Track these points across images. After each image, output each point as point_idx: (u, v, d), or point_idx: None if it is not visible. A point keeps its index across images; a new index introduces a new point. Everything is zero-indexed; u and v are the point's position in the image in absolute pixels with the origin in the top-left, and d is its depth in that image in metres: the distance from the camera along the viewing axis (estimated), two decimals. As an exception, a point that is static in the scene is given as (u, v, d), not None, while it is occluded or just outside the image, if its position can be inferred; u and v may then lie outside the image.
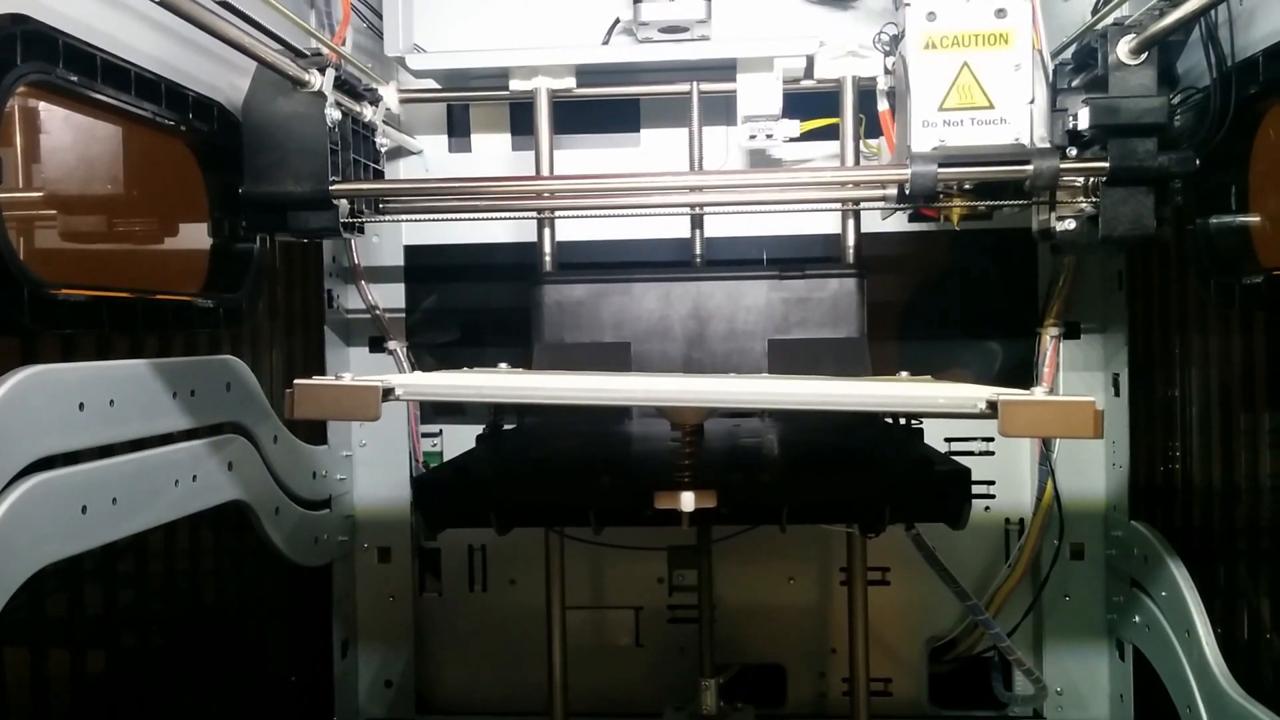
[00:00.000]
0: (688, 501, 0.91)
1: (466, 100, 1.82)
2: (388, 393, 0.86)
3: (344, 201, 1.46)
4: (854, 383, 0.90)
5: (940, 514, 0.99)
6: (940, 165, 1.35)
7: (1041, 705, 1.85)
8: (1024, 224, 1.59)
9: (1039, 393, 0.84)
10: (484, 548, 1.95)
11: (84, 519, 1.15)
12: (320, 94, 1.40)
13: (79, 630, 1.23)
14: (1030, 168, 1.34)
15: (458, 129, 1.91)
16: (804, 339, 1.62)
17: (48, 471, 1.09)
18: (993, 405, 0.82)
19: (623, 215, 1.57)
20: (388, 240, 1.92)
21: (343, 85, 1.47)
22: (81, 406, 1.15)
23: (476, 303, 1.92)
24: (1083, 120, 1.35)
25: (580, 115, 1.84)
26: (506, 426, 1.50)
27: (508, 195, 1.52)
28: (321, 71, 1.40)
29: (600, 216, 1.59)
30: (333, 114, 1.41)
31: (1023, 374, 1.81)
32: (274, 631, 1.70)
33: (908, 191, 1.38)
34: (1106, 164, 1.34)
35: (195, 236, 1.49)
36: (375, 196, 1.50)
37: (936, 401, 0.85)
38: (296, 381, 0.90)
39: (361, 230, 1.53)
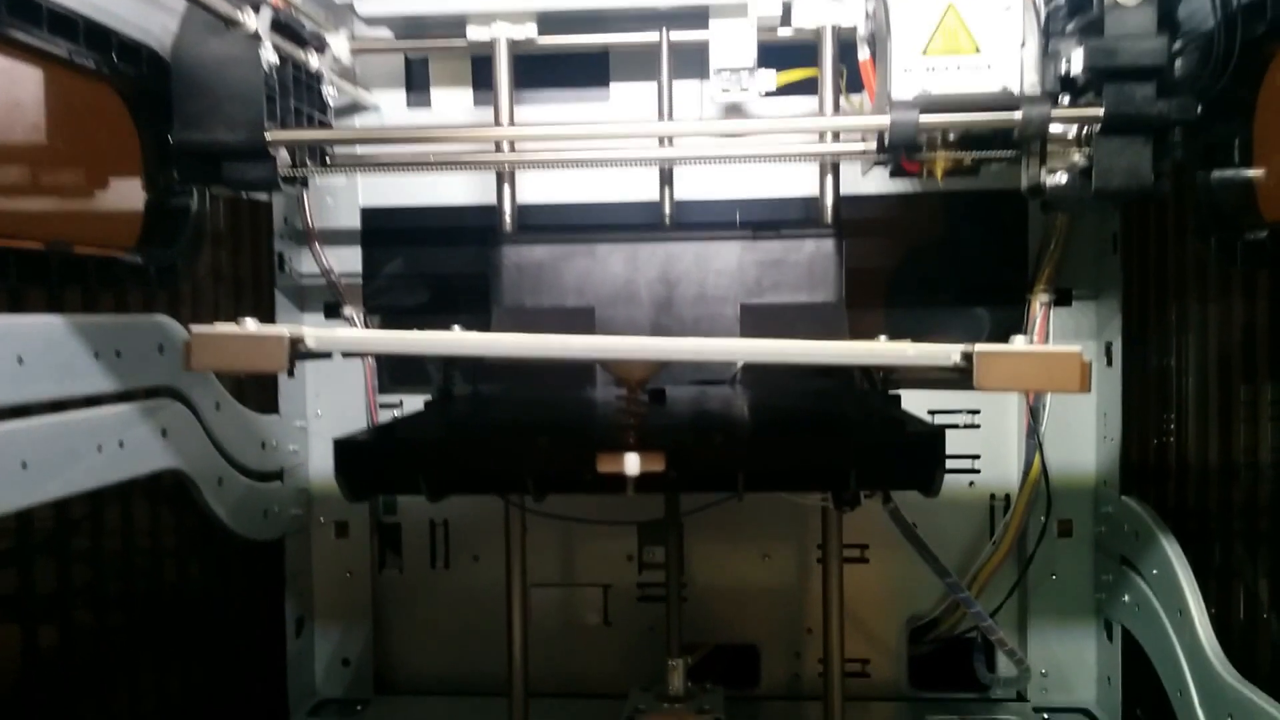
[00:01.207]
0: (632, 464, 0.82)
1: (421, 50, 1.71)
2: (296, 343, 0.77)
3: (283, 152, 1.36)
4: (818, 341, 0.82)
5: (911, 479, 0.90)
6: (922, 112, 1.26)
7: (1025, 687, 1.77)
8: (1013, 184, 1.51)
9: (1019, 342, 0.75)
10: (446, 523, 1.87)
11: (-13, 485, 1.06)
12: (255, 35, 1.30)
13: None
14: (1019, 115, 1.25)
15: (416, 83, 1.81)
16: (778, 303, 1.53)
17: (-60, 434, 1.01)
18: (968, 357, 0.73)
19: (587, 168, 1.48)
20: (343, 202, 1.82)
21: (283, 28, 1.37)
22: (-16, 364, 1.06)
23: (438, 268, 1.83)
24: (1076, 64, 1.26)
25: (545, 69, 1.74)
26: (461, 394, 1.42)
27: (461, 142, 1.42)
28: (256, 10, 1.30)
29: (563, 167, 1.49)
30: (269, 57, 1.31)
31: (1010, 342, 1.72)
32: (221, 609, 1.61)
33: (887, 141, 1.29)
34: (1101, 110, 1.25)
35: (127, 189, 1.39)
36: (317, 146, 1.40)
37: (905, 354, 0.76)
38: (193, 328, 0.81)
39: (305, 184, 1.44)
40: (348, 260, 1.83)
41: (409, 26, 1.65)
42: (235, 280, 1.66)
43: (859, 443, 0.88)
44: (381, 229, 1.83)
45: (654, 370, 0.85)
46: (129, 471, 1.30)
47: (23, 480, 1.11)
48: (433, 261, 1.82)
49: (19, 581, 1.19)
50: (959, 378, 0.84)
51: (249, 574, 1.69)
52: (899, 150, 1.31)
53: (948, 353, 0.75)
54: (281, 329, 0.77)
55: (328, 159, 1.48)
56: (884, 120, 1.27)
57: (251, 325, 0.79)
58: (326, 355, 1.08)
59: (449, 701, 1.86)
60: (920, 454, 0.88)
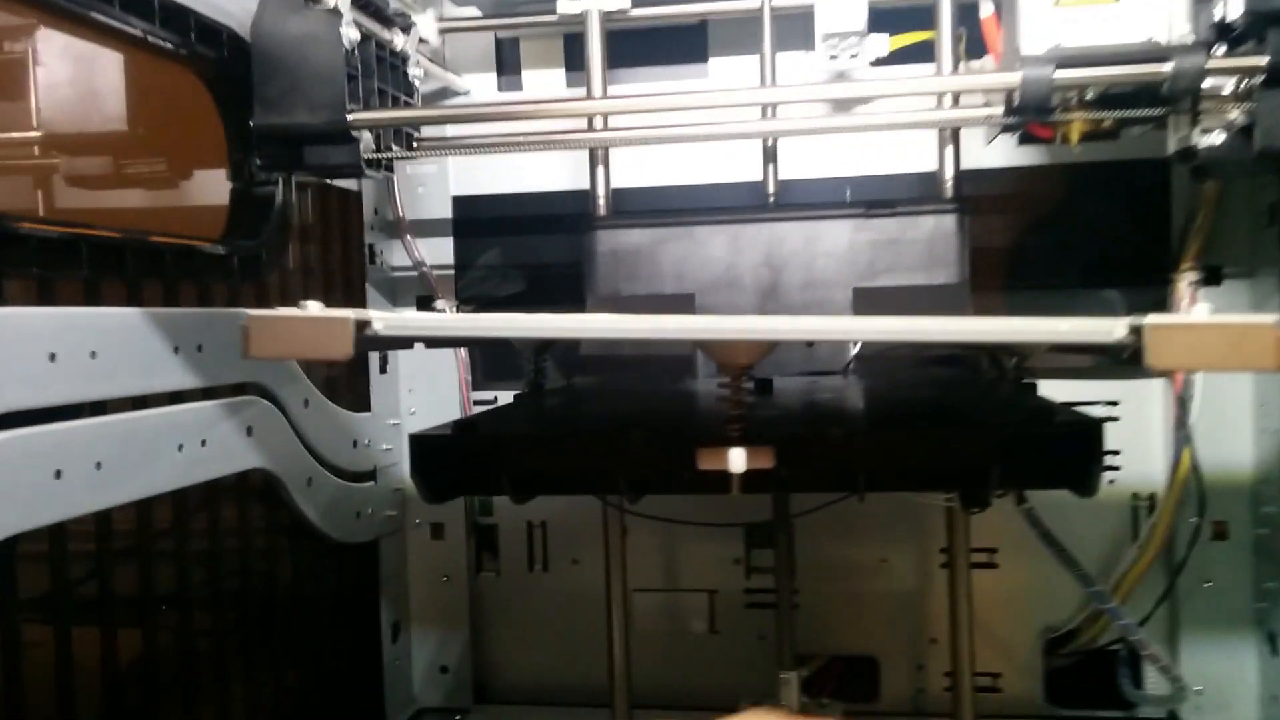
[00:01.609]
0: (737, 461, 0.72)
1: (510, 29, 1.64)
2: (363, 326, 0.69)
3: (366, 135, 1.30)
4: (951, 318, 0.70)
5: (1064, 478, 0.77)
6: (1058, 68, 1.13)
7: (1179, 706, 1.61)
8: (1153, 153, 1.38)
9: (1201, 311, 0.63)
10: (544, 524, 1.79)
11: (58, 484, 1.00)
12: (335, 11, 1.24)
13: (80, 614, 1.10)
14: (1169, 67, 1.11)
15: (507, 65, 1.74)
16: (895, 287, 1.41)
17: (10, 430, 0.95)
18: (1136, 331, 0.61)
19: (685, 142, 1.38)
20: (434, 191, 1.76)
21: (365, 5, 1.31)
22: (53, 357, 1.00)
23: (532, 257, 1.75)
24: (1234, 9, 1.11)
25: (639, 45, 1.65)
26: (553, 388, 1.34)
27: (551, 118, 1.33)
28: (335, -15, 1.24)
29: (660, 143, 1.40)
30: (350, 34, 1.25)
31: (1153, 326, 1.56)
32: (314, 613, 1.56)
33: (1017, 101, 1.16)
34: (1264, 60, 1.10)
35: (210, 177, 1.35)
36: (402, 127, 1.33)
37: (1058, 331, 0.64)
38: (249, 313, 0.74)
39: (390, 169, 1.37)
40: (440, 251, 1.77)
41: (500, 5, 1.58)
42: (325, 273, 1.61)
43: (1003, 435, 0.76)
44: (474, 218, 1.76)
45: (761, 354, 0.75)
46: (212, 472, 1.25)
47: (98, 481, 1.05)
48: (528, 250, 1.75)
49: (100, 585, 1.14)
50: (1115, 361, 0.72)
51: (343, 577, 1.63)
52: (1030, 112, 1.18)
53: (1110, 328, 0.63)
54: (346, 311, 0.69)
55: (415, 144, 1.41)
56: (1014, 78, 1.14)
57: (314, 308, 0.71)
58: (404, 344, 1.01)
59: (551, 712, 1.78)
60: (1075, 448, 0.75)
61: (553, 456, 0.79)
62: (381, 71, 1.35)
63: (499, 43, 1.73)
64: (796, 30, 1.56)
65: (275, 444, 1.37)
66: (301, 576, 1.52)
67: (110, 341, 1.08)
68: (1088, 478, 0.73)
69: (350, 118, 1.25)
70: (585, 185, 1.59)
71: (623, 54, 1.64)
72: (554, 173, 1.71)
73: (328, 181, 1.59)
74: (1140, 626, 1.55)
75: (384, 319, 0.69)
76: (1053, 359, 1.56)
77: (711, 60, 1.67)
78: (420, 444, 0.78)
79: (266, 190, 1.40)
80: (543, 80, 1.72)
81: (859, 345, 1.37)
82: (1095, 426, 0.75)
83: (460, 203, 1.76)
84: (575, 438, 0.80)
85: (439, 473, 0.80)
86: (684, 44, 1.67)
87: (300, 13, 1.24)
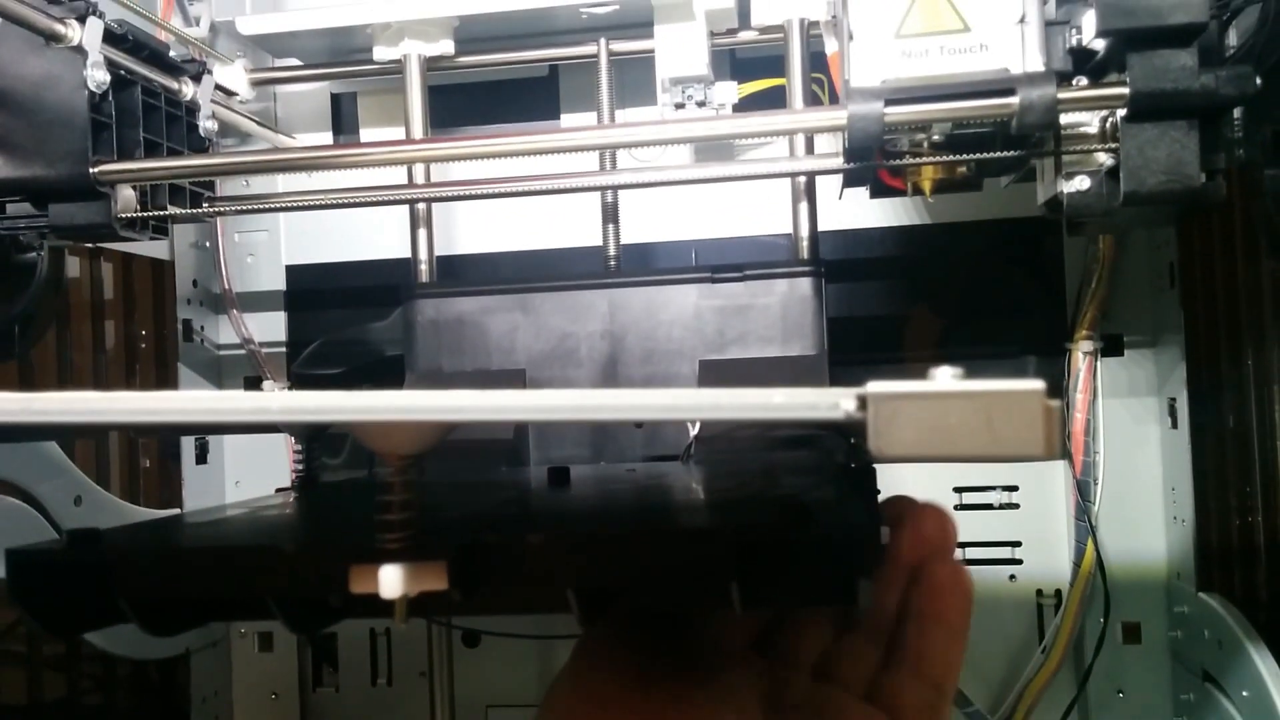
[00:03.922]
0: (390, 582, 0.54)
1: (333, 79, 1.48)
2: None
3: (127, 191, 1.13)
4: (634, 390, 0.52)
5: (821, 592, 0.60)
6: (888, 103, 0.98)
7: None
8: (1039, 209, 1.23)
9: (944, 377, 0.46)
10: (388, 632, 1.59)
11: None
12: (80, 49, 1.08)
13: None
14: (1015, 100, 0.96)
15: (346, 125, 1.59)
16: (744, 359, 1.25)
17: None
18: (863, 403, 0.44)
19: (515, 196, 1.23)
20: (266, 260, 1.60)
21: (135, 49, 1.16)
22: None
23: (370, 333, 1.58)
24: (1089, 30, 0.97)
25: (484, 101, 1.52)
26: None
27: (354, 166, 1.16)
28: (81, 21, 1.08)
29: (486, 197, 1.25)
30: (97, 75, 1.09)
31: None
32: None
33: (847, 144, 1.01)
34: (1125, 90, 0.95)
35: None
36: (170, 181, 1.17)
37: (769, 405, 0.47)
38: None
39: (164, 233, 1.19)
40: (272, 326, 1.60)
41: (334, 52, 1.44)
42: (128, 352, 1.44)
43: (739, 542, 0.59)
44: (309, 289, 1.59)
45: (423, 440, 0.57)
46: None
47: None
48: (363, 324, 1.58)
49: None
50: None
51: (143, 699, 1.43)
52: (865, 154, 1.02)
53: (835, 400, 0.46)
54: None
55: (205, 203, 1.25)
56: (840, 115, 0.99)
57: None
58: None
59: None
60: (826, 554, 0.58)
61: (183, 579, 0.60)
62: (154, 121, 1.18)
63: (336, 100, 1.59)
64: (647, 82, 1.41)
65: (24, 549, 1.17)
66: (81, 700, 1.32)
67: None
68: (849, 587, 0.55)
69: (94, 170, 1.08)
70: (438, 251, 1.43)
71: (466, 109, 1.50)
72: (395, 238, 1.55)
73: (130, 251, 1.43)
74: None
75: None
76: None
77: (564, 118, 1.53)
78: (16, 563, 0.59)
79: (29, 259, 1.24)
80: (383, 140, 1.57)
81: (697, 427, 1.19)
82: (855, 530, 0.57)
83: (294, 273, 1.60)
84: (207, 554, 0.62)
85: (49, 600, 0.61)
86: (534, 99, 1.53)
87: (40, 52, 1.09)
